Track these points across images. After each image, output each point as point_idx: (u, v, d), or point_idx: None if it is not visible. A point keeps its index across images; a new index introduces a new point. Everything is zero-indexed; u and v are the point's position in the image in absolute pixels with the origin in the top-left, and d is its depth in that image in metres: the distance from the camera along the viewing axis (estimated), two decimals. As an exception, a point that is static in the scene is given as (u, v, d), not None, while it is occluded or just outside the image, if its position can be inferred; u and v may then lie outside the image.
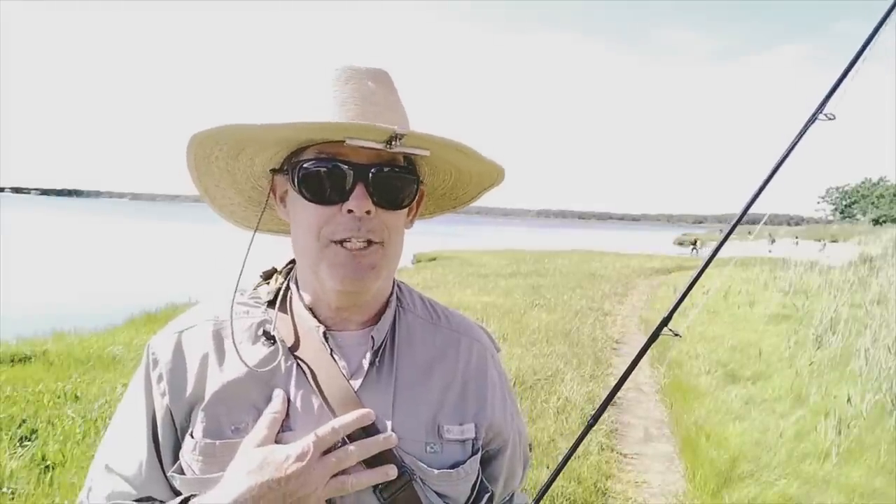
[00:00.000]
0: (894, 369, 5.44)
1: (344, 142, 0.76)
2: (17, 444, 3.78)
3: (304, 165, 0.79)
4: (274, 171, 0.86)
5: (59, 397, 4.68)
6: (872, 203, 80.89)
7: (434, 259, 22.37)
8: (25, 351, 6.11)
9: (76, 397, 4.72)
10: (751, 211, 1.66)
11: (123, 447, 0.82)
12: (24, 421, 4.12)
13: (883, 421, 4.69)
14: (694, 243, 31.18)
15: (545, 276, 15.74)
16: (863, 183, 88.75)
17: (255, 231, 0.92)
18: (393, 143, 0.74)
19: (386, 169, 0.79)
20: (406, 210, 0.85)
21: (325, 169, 0.78)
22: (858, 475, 3.93)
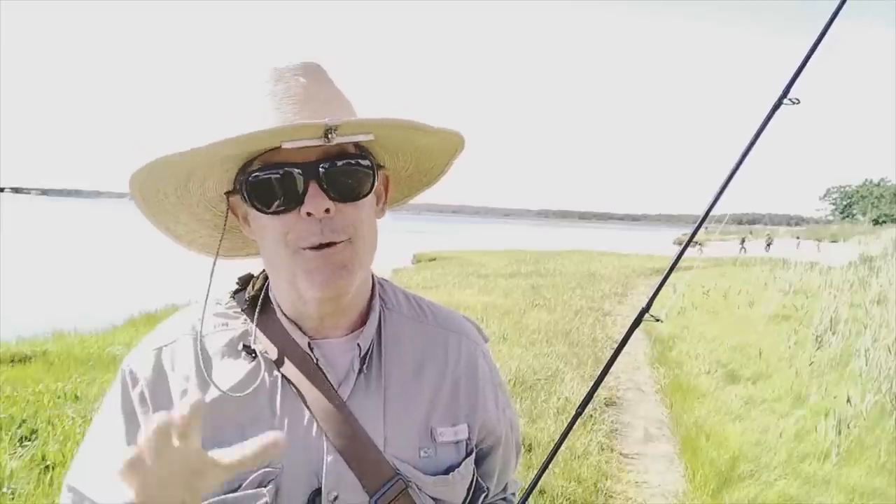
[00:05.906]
0: (894, 369, 5.44)
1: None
2: (17, 444, 3.78)
3: (251, 179, 0.74)
4: (228, 193, 0.81)
5: (59, 397, 4.68)
6: (872, 203, 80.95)
7: (434, 259, 22.36)
8: (25, 351, 6.11)
9: (76, 397, 4.71)
10: (723, 202, 1.67)
11: (101, 474, 0.74)
12: (24, 421, 4.12)
13: (883, 421, 4.70)
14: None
15: (545, 276, 15.73)
16: (863, 183, 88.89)
17: (215, 258, 0.85)
18: (330, 135, 0.70)
19: (337, 162, 0.75)
20: (370, 199, 0.80)
21: (273, 176, 0.74)
22: (858, 475, 3.93)
